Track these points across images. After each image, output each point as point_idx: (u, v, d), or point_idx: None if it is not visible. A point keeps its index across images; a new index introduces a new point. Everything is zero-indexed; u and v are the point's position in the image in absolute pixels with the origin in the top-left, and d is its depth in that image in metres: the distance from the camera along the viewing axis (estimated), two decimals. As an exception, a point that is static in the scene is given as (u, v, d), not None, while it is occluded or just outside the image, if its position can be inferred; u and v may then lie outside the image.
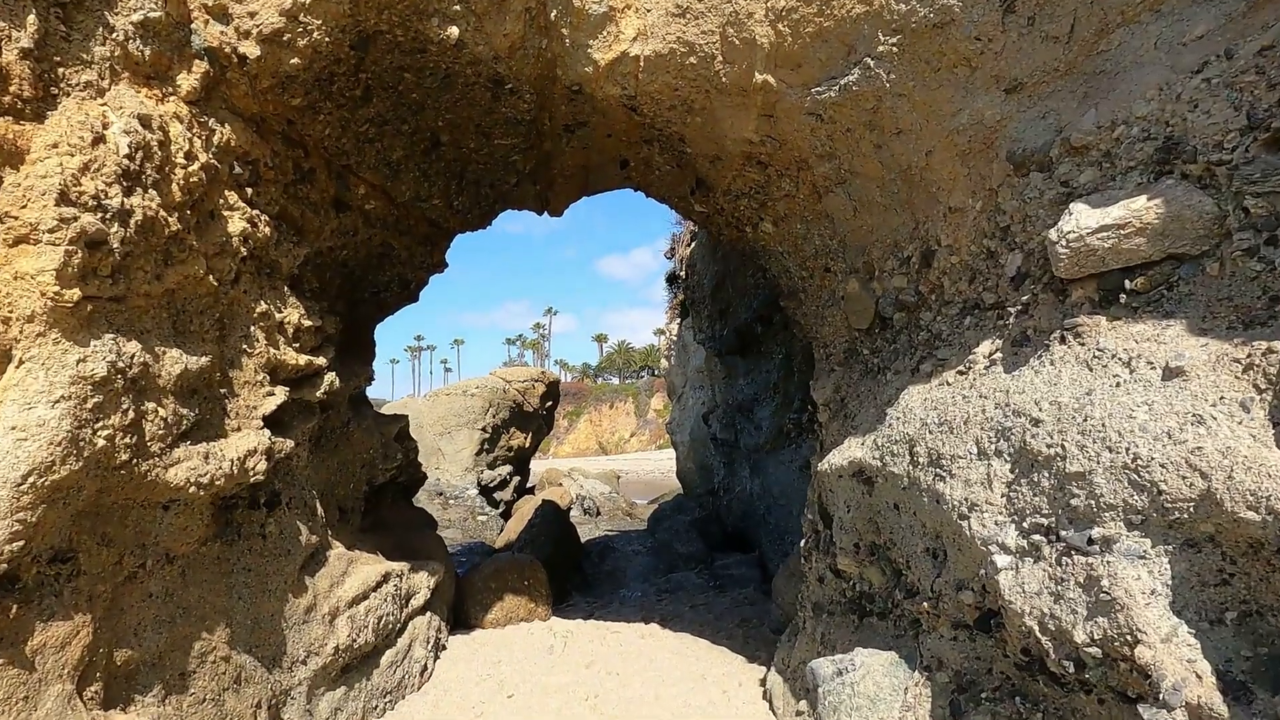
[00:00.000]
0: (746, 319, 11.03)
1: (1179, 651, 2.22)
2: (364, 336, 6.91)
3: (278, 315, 4.48)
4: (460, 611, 7.47)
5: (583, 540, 14.77)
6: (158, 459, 3.19)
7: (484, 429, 21.18)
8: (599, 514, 19.72)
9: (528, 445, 23.44)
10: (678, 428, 21.01)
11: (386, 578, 5.61)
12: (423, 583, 6.33)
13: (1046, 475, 2.72)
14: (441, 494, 17.98)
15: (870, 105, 3.95)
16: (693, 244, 13.71)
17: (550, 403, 23.97)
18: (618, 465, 42.15)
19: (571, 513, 19.34)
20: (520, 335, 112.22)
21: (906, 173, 4.02)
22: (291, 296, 4.69)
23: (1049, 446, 2.71)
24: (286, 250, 4.64)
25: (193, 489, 3.34)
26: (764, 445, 10.75)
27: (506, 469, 22.08)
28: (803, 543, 5.43)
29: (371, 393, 7.28)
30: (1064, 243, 2.89)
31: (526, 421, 23.03)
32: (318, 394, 4.89)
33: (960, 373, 3.53)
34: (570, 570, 11.26)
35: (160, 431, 3.21)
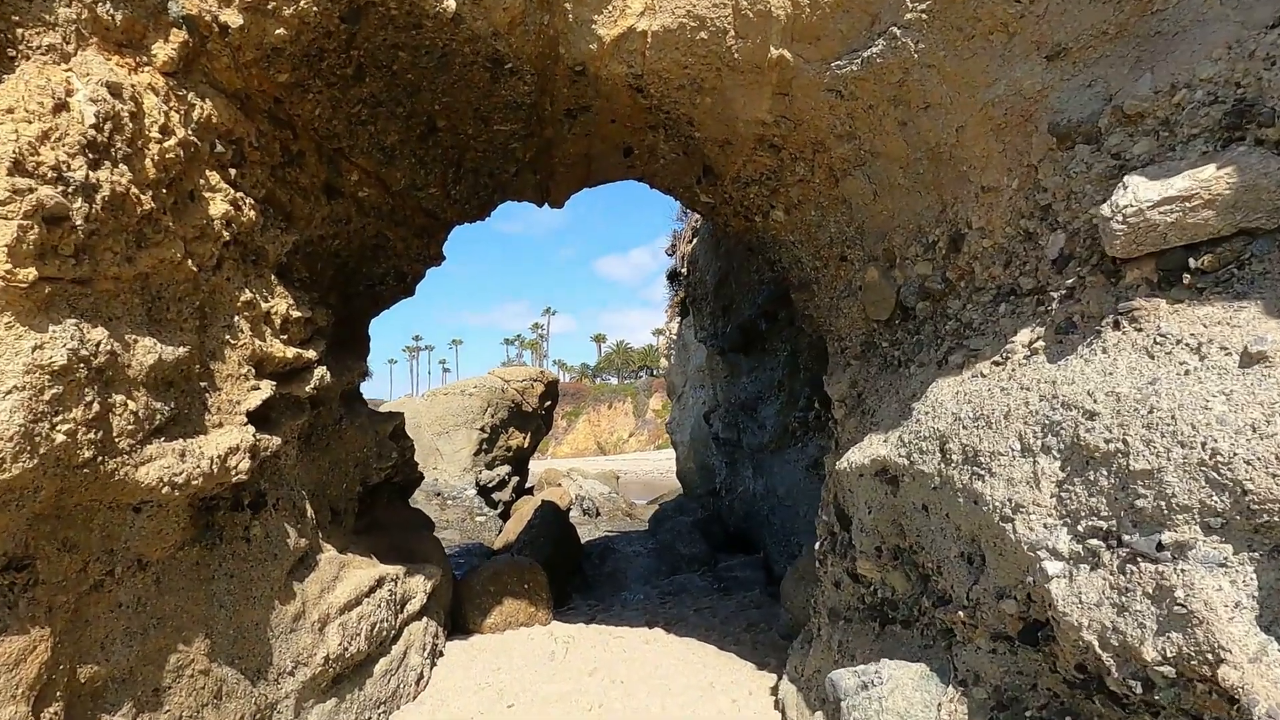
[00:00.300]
0: (750, 315, 10.76)
1: (1271, 672, 1.95)
2: (358, 331, 6.63)
3: (264, 305, 4.20)
4: (458, 616, 7.18)
5: (583, 541, 14.51)
6: (127, 457, 2.91)
7: (482, 429, 20.89)
8: (598, 514, 19.45)
9: (526, 445, 23.15)
10: (678, 427, 20.74)
11: (380, 582, 5.32)
12: (419, 587, 6.05)
13: (1105, 473, 2.44)
14: (439, 494, 17.69)
15: (895, 79, 3.68)
16: (694, 240, 13.45)
17: (549, 402, 23.69)
18: (616, 465, 41.88)
19: (571, 513, 19.06)
20: (519, 335, 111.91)
21: (934, 151, 3.75)
22: (279, 286, 4.40)
23: (1107, 441, 2.44)
24: (273, 237, 4.36)
25: (166, 489, 3.06)
26: (768, 444, 10.48)
27: (505, 469, 21.79)
28: (816, 545, 5.16)
29: (369, 392, 7.02)
30: (1119, 218, 2.62)
31: (525, 421, 22.74)
32: (307, 389, 4.61)
33: (996, 364, 3.26)
34: (570, 572, 10.99)
35: (130, 427, 2.93)
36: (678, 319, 22.20)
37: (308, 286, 5.02)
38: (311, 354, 4.65)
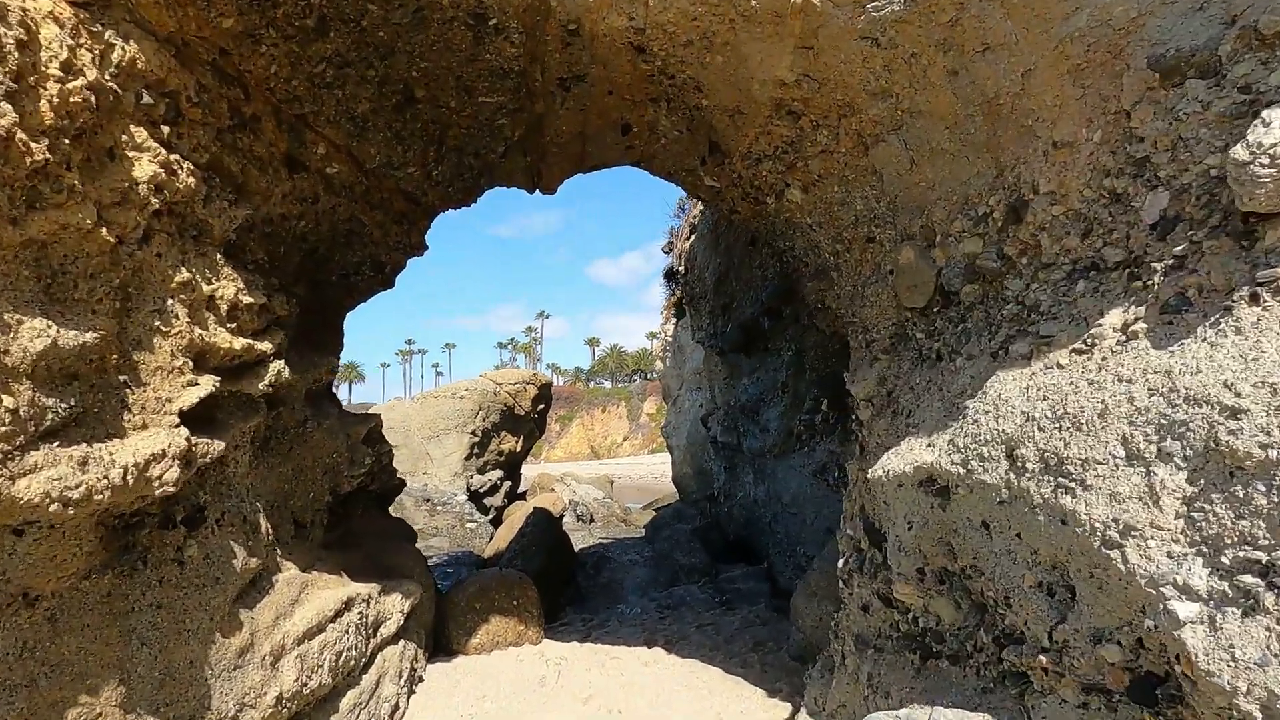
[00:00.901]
0: (752, 313, 10.17)
1: None
2: (331, 323, 6.00)
3: (206, 288, 3.56)
4: (441, 635, 6.55)
5: (576, 549, 13.87)
6: (0, 466, 2.28)
7: (474, 432, 20.23)
8: (593, 520, 18.80)
9: (519, 449, 22.50)
10: (673, 431, 20.12)
11: (349, 604, 4.69)
12: (395, 607, 5.41)
13: (1261, 489, 1.85)
14: (429, 500, 17.03)
15: (946, 18, 3.08)
16: (692, 237, 12.86)
17: (542, 405, 23.05)
18: (611, 469, 41.24)
19: (565, 519, 18.42)
20: (512, 339, 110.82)
21: (991, 104, 3.15)
22: (227, 267, 3.77)
23: (1264, 447, 1.85)
24: (220, 210, 3.73)
25: (57, 506, 2.43)
26: (771, 449, 9.87)
27: (497, 474, 21.12)
28: (840, 563, 4.55)
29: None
30: (1262, 161, 2.03)
31: (517, 425, 22.10)
32: (261, 386, 3.98)
33: (1078, 352, 2.66)
34: (564, 583, 10.36)
35: (6, 429, 2.30)
36: (673, 320, 21.61)
37: (266, 271, 4.39)
38: (267, 346, 4.02)
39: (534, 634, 6.88)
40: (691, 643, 6.85)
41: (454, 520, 16.05)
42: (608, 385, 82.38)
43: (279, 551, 4.32)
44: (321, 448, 5.07)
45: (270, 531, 4.20)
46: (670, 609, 8.59)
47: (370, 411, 18.61)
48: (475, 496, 20.08)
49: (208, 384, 3.45)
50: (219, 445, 3.52)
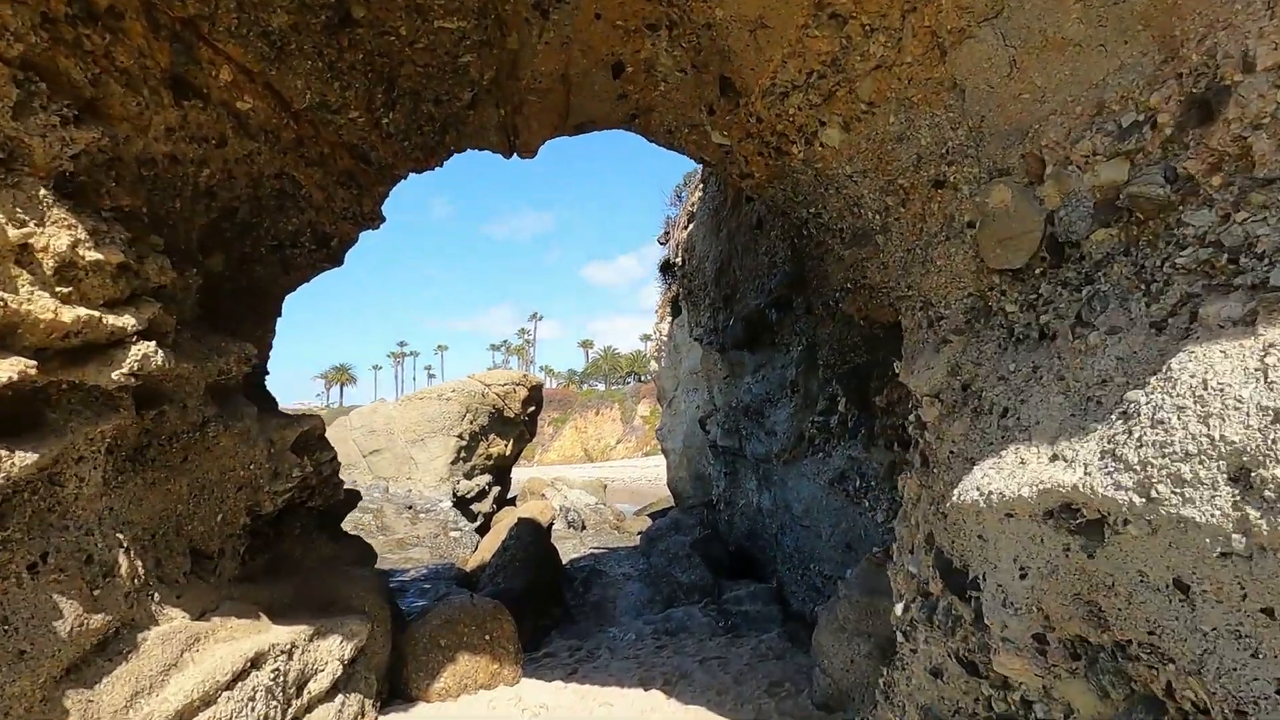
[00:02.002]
0: (758, 305, 9.07)
1: None
2: (259, 305, 4.87)
3: (13, 232, 2.44)
4: (399, 678, 5.41)
5: (566, 561, 12.76)
6: None
7: (460, 436, 19.09)
8: (584, 528, 17.67)
9: (508, 453, 21.37)
10: (669, 434, 19.01)
11: (259, 660, 3.56)
12: (332, 653, 4.28)
13: None
14: (411, 507, 15.88)
15: None
16: (690, 225, 11.77)
17: (532, 408, 21.94)
18: (604, 473, 40.15)
19: (555, 526, 17.27)
20: (505, 341, 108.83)
21: (1167, -57, 2.07)
22: (59, 209, 2.65)
23: None
24: (45, 128, 2.61)
25: None
26: (779, 454, 8.77)
27: (485, 479, 19.97)
28: (898, 608, 3.43)
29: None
30: None
31: (507, 428, 20.97)
32: (116, 375, 2.85)
33: (1369, 306, 1.57)
34: (550, 601, 9.23)
35: None
36: (668, 319, 20.56)
37: (141, 226, 3.26)
38: (127, 322, 2.89)
39: (510, 673, 5.75)
40: (695, 683, 5.73)
41: (437, 529, 14.90)
42: (601, 388, 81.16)
43: (155, 597, 3.19)
44: (232, 458, 3.93)
45: (141, 571, 3.07)
46: (669, 635, 7.47)
47: (351, 417, 17.42)
48: (462, 502, 18.93)
49: (10, 369, 2.33)
50: (30, 458, 2.39)
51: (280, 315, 5.22)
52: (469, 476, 19.65)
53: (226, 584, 3.93)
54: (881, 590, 5.23)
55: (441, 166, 5.62)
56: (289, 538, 4.85)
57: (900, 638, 3.39)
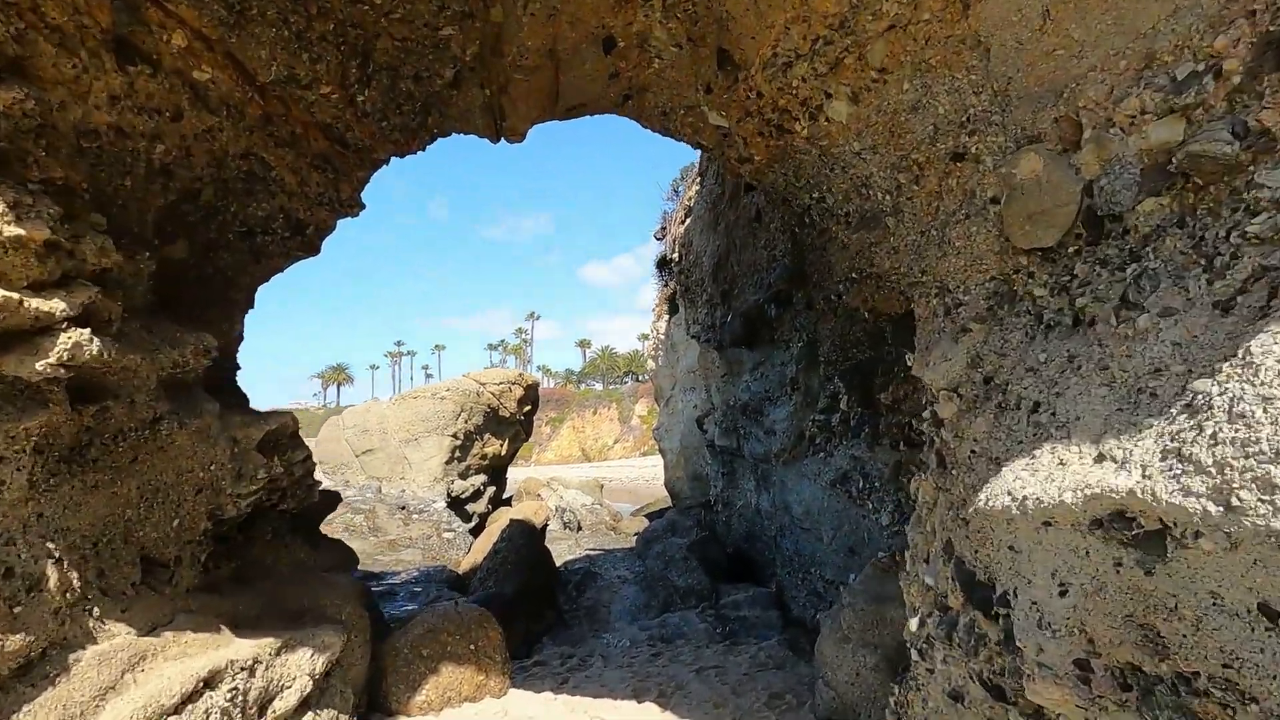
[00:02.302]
0: (756, 300, 8.77)
1: None
2: (225, 295, 4.55)
3: (-89, 200, 2.13)
4: (377, 691, 5.10)
5: (560, 563, 12.46)
6: None
7: (455, 435, 18.79)
8: (580, 529, 17.36)
9: (504, 453, 21.06)
10: (666, 434, 18.71)
11: (217, 677, 3.25)
12: (301, 668, 3.97)
13: None
14: (404, 508, 15.56)
15: None
16: (687, 221, 11.47)
17: (528, 407, 21.64)
18: (601, 473, 39.86)
19: (550, 527, 16.96)
20: (503, 341, 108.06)
21: None
22: (-27, 177, 2.34)
23: None
24: (-45, 83, 2.30)
25: None
26: (779, 454, 8.47)
27: (480, 479, 19.67)
28: (913, 622, 3.12)
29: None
30: None
31: (502, 427, 20.67)
32: (42, 365, 2.53)
33: None
34: (542, 606, 8.92)
35: None
36: (665, 317, 20.29)
37: (74, 201, 2.95)
38: (57, 306, 2.57)
39: (497, 684, 5.44)
40: (692, 695, 5.42)
41: (430, 530, 14.58)
42: (599, 387, 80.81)
43: (94, 612, 2.88)
44: (190, 458, 3.61)
45: (76, 584, 2.76)
46: (664, 642, 7.17)
47: (344, 416, 17.14)
48: (457, 503, 18.62)
49: (-97, 357, 2.02)
50: (-72, 459, 2.08)
51: (252, 306, 4.90)
52: (464, 476, 19.35)
53: (184, 595, 3.61)
54: (888, 598, 4.93)
55: (424, 150, 5.31)
56: (259, 543, 4.54)
57: (915, 655, 3.08)
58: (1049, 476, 2.11)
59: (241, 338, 4.86)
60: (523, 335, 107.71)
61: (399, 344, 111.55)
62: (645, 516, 20.46)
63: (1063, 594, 2.07)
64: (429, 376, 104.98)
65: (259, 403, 4.93)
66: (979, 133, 2.77)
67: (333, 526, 13.87)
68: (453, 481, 18.82)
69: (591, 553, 13.71)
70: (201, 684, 3.13)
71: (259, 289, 5.00)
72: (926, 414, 3.24)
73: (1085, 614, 1.99)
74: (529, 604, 8.71)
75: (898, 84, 3.03)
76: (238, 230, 4.43)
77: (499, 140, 5.51)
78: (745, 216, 8.79)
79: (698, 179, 11.11)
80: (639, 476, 38.61)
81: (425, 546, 13.72)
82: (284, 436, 4.43)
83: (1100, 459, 1.98)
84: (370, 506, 14.97)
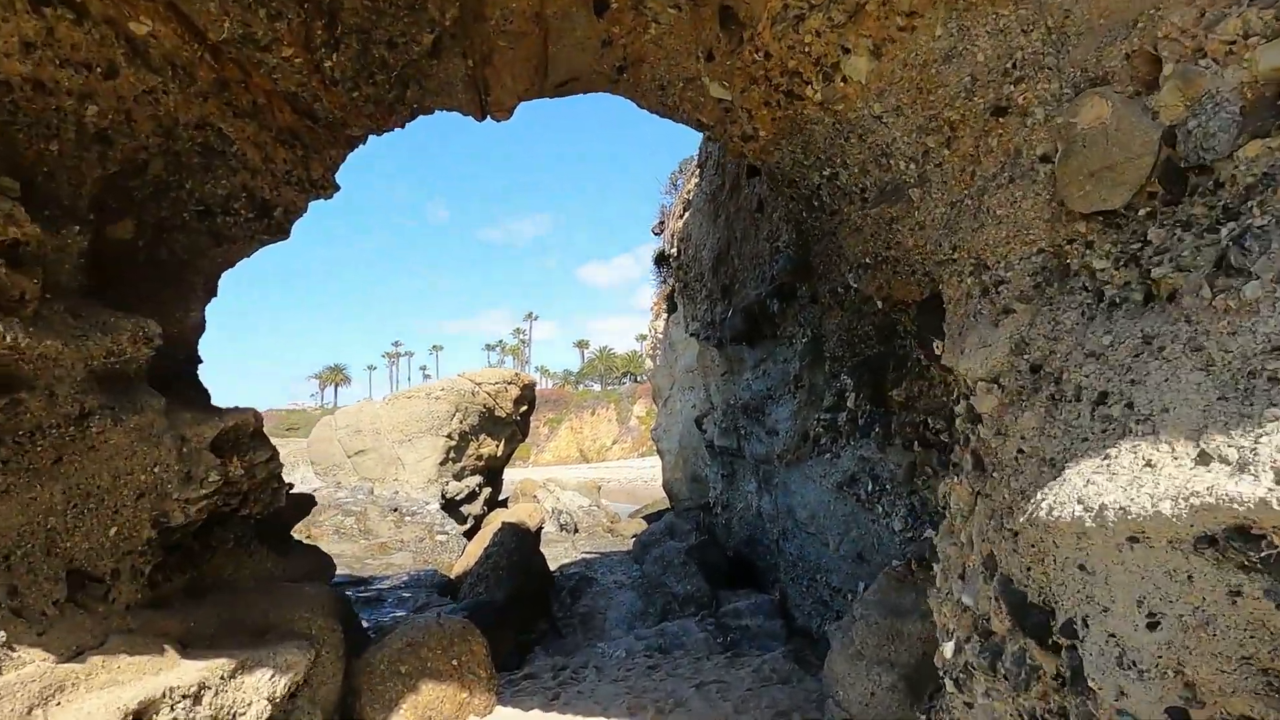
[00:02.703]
0: (758, 295, 8.37)
1: None
2: (184, 281, 4.13)
3: None
4: (351, 712, 4.68)
5: (556, 567, 12.04)
6: None
7: (449, 435, 18.36)
8: (576, 531, 16.95)
9: (500, 453, 20.64)
10: (664, 434, 18.31)
11: (150, 709, 2.83)
12: (259, 691, 3.55)
13: None
14: (396, 510, 15.13)
15: None
16: (686, 214, 11.07)
17: (525, 407, 21.22)
18: (599, 474, 39.48)
19: (546, 529, 16.55)
20: (500, 341, 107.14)
21: None
22: None
23: None
24: None
25: None
26: (782, 455, 8.06)
27: (475, 480, 19.24)
28: (947, 648, 2.71)
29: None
30: None
31: (498, 427, 20.25)
32: (-78, 350, 2.12)
33: None
34: (535, 613, 8.51)
35: None
36: (664, 315, 19.90)
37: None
38: (-57, 280, 2.17)
39: (481, 702, 5.03)
40: (692, 713, 5.01)
41: (423, 532, 14.16)
42: (597, 388, 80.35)
43: (1, 637, 2.46)
44: (128, 458, 3.20)
45: (-25, 606, 2.34)
46: (662, 653, 6.75)
47: (336, 417, 16.60)
48: (451, 504, 18.20)
49: None
50: None
51: (214, 294, 4.49)
52: (458, 478, 18.94)
53: (122, 613, 3.20)
54: (905, 610, 4.53)
55: (403, 127, 4.91)
56: (219, 552, 4.12)
57: (950, 685, 2.67)
58: (1134, 481, 1.70)
59: (202, 327, 4.45)
60: (521, 336, 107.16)
61: (396, 344, 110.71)
62: (643, 518, 20.05)
63: (1153, 627, 1.66)
64: (426, 377, 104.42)
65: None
66: (1027, 80, 2.36)
67: (322, 529, 13.45)
68: (447, 483, 18.40)
69: (588, 556, 13.31)
70: (131, 717, 2.71)
71: (224, 275, 4.59)
72: (960, 408, 2.84)
73: (1185, 653, 1.59)
74: (521, 611, 8.30)
75: (928, 29, 2.62)
76: (194, 209, 4.02)
77: (484, 117, 5.11)
78: (746, 207, 8.39)
79: (697, 171, 10.72)
80: (637, 477, 38.21)
81: (417, 549, 13.30)
82: (244, 435, 4.01)
83: (1204, 459, 1.57)
84: (362, 508, 14.54)
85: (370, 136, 4.92)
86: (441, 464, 18.19)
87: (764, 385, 8.94)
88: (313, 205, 4.84)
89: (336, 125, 4.47)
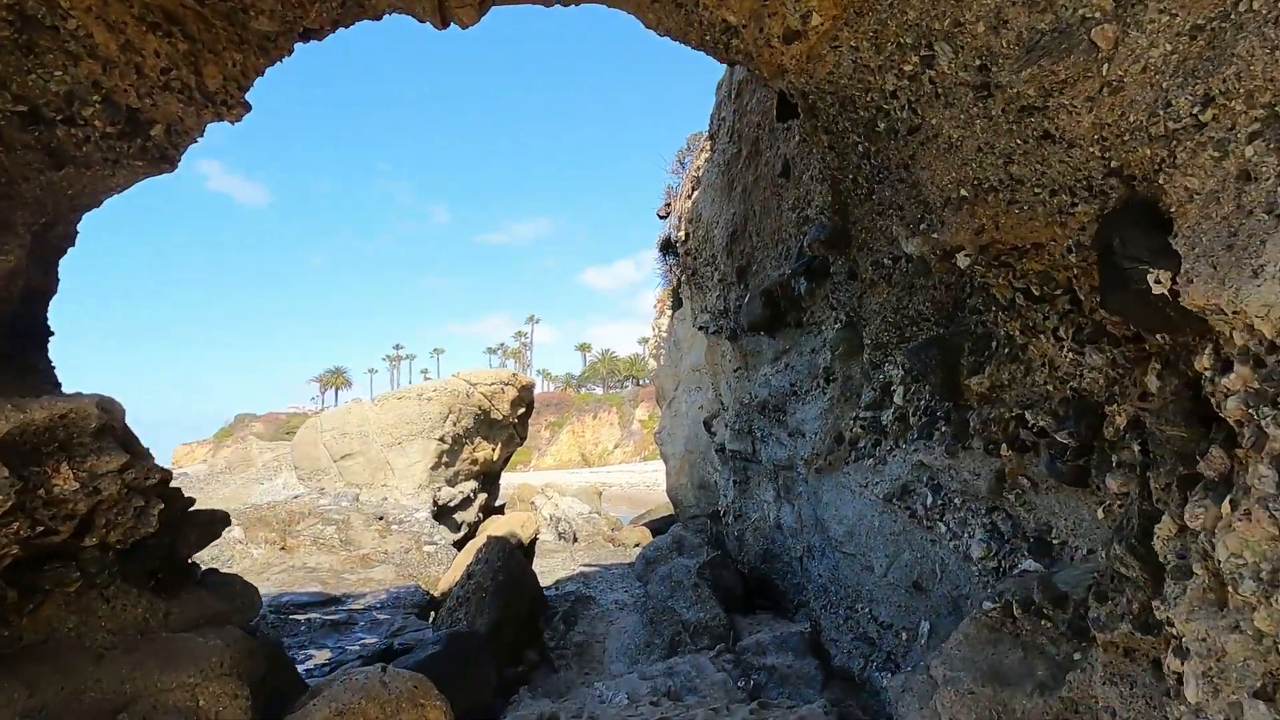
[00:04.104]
0: (781, 275, 7.12)
1: None
2: (10, 216, 2.89)
3: None
4: (257, 807, 3.41)
5: (552, 580, 10.76)
6: None
7: (442, 439, 17.08)
8: (575, 540, 15.66)
9: (496, 458, 19.36)
10: (668, 438, 17.02)
11: None
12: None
13: None
14: (382, 518, 13.87)
15: None
16: (695, 192, 9.83)
17: (523, 409, 19.94)
18: (601, 478, 38.22)
19: (543, 538, 15.27)
20: (502, 344, 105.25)
21: None
22: None
23: None
24: None
25: None
26: (810, 460, 6.80)
27: (470, 485, 17.96)
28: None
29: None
30: None
31: (494, 430, 18.97)
32: None
33: None
34: (522, 643, 7.24)
35: None
36: (668, 313, 18.63)
37: None
38: None
39: (440, 785, 3.75)
40: (714, 802, 3.74)
41: (409, 543, 12.88)
42: (599, 391, 79.00)
43: None
44: None
45: None
46: (672, 699, 5.47)
47: (323, 418, 15.20)
48: (444, 511, 16.92)
49: None
50: None
51: (71, 242, 3.23)
52: (452, 483, 17.66)
53: None
54: (1011, 677, 3.26)
55: (341, 28, 3.66)
56: (52, 599, 2.85)
57: None
58: None
59: (50, 288, 3.19)
60: (522, 339, 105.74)
61: (398, 348, 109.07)
62: (646, 525, 18.76)
63: None
64: (427, 380, 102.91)
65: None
66: None
67: (299, 539, 12.19)
68: (439, 489, 17.12)
69: (586, 569, 12.01)
70: None
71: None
72: (1225, 380, 1.57)
73: None
74: (507, 641, 7.03)
75: None
76: (16, 112, 2.77)
77: (444, 25, 3.85)
78: (767, 174, 7.14)
79: (707, 144, 9.48)
80: (639, 482, 36.95)
81: (402, 562, 12.02)
82: (80, 433, 2.74)
83: None
84: (344, 516, 13.28)
85: (297, 45, 3.68)
86: (433, 469, 16.92)
87: (786, 380, 7.68)
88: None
89: (237, 14, 3.22)
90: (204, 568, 4.14)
